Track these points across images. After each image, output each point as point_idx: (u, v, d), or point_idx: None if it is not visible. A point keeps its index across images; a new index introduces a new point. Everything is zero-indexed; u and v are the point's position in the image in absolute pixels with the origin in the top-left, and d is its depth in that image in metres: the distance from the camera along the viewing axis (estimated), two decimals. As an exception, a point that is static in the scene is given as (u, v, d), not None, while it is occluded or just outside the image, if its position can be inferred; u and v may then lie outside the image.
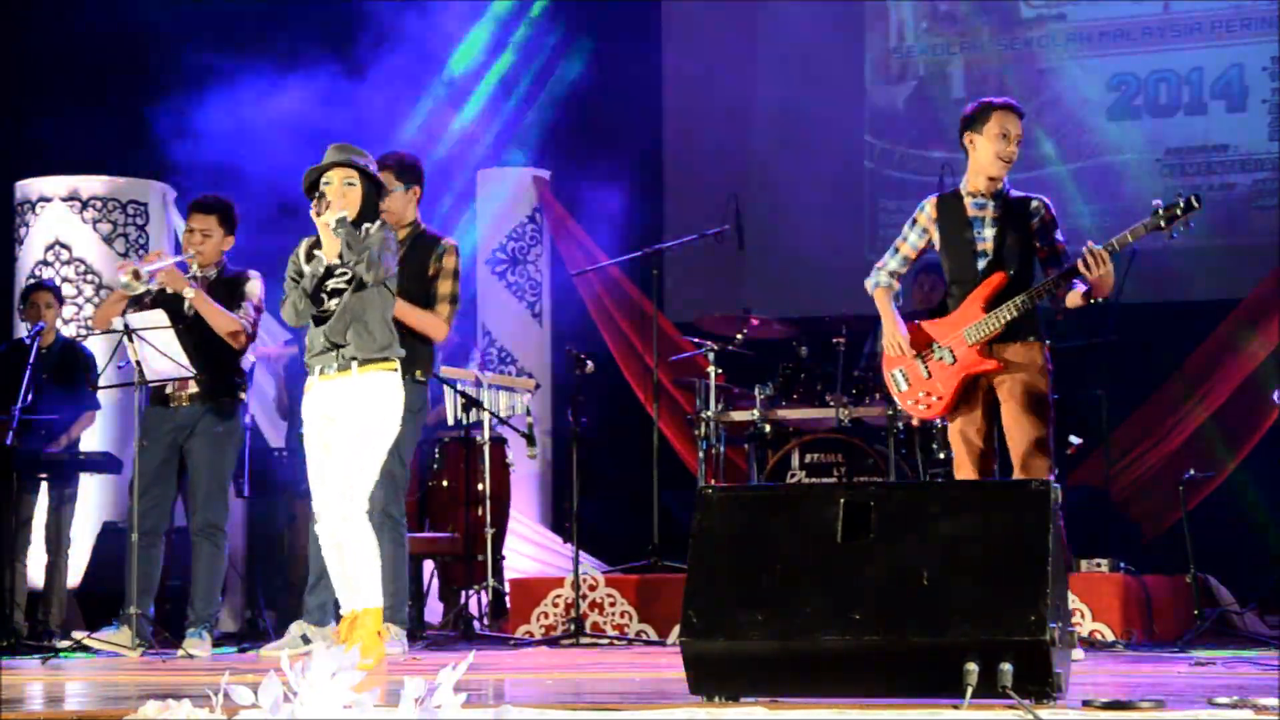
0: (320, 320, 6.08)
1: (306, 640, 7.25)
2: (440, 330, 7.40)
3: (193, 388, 7.61)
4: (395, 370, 6.10)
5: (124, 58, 11.01)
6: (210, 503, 7.69)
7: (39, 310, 9.08)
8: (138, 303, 7.63)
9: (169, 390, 7.67)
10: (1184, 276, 10.19)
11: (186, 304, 7.54)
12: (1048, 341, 6.42)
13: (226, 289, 7.65)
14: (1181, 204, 6.15)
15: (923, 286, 9.35)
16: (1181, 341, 9.81)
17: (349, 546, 6.05)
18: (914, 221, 6.53)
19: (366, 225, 6.09)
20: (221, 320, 7.56)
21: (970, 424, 6.38)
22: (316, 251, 6.10)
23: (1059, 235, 6.38)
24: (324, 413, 6.07)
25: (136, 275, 7.34)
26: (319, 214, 6.00)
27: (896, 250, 6.57)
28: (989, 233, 6.37)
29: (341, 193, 6.06)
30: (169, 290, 7.55)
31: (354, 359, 6.02)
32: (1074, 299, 6.28)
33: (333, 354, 6.03)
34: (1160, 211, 6.18)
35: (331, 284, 6.06)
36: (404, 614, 7.47)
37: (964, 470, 6.42)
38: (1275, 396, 6.19)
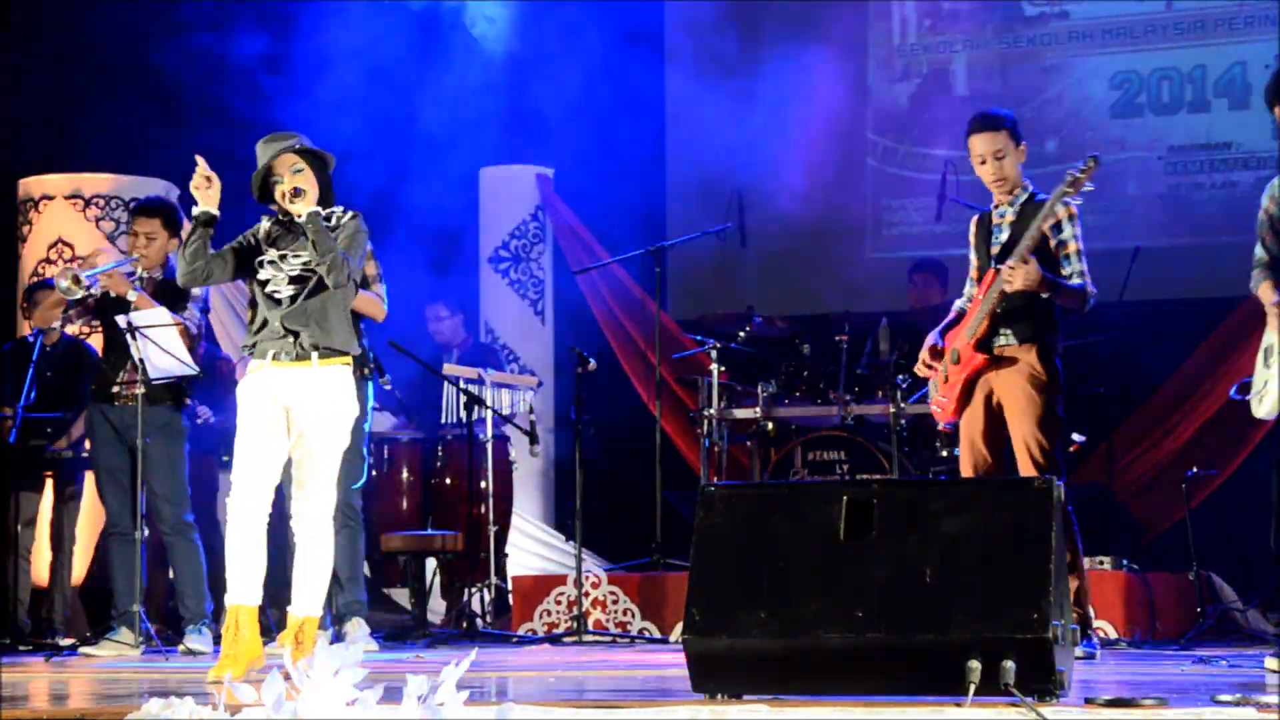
0: (277, 305, 5.81)
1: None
2: (381, 310, 7.53)
3: (140, 387, 7.53)
4: (349, 365, 5.91)
5: (126, 56, 10.99)
6: (176, 501, 7.70)
7: (44, 309, 9.07)
8: (80, 304, 7.61)
9: (114, 389, 7.67)
10: (1187, 274, 10.17)
11: (132, 306, 7.50)
12: (1059, 346, 6.38)
13: (173, 290, 7.58)
14: (1080, 167, 6.13)
15: (916, 285, 9.36)
16: (1184, 339, 9.79)
17: (315, 547, 5.92)
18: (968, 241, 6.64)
19: (335, 214, 5.88)
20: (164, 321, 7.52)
21: (973, 426, 6.41)
22: (273, 252, 5.82)
23: (1067, 234, 6.28)
24: (281, 401, 5.79)
25: (76, 280, 7.26)
26: (291, 204, 5.76)
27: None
28: (1003, 236, 6.39)
29: (293, 180, 5.77)
30: (112, 294, 7.53)
31: (315, 348, 5.77)
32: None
33: (290, 340, 5.76)
34: (1066, 178, 6.15)
35: (298, 268, 5.80)
36: (363, 603, 7.71)
37: (964, 473, 6.46)
38: (1232, 392, 6.15)
